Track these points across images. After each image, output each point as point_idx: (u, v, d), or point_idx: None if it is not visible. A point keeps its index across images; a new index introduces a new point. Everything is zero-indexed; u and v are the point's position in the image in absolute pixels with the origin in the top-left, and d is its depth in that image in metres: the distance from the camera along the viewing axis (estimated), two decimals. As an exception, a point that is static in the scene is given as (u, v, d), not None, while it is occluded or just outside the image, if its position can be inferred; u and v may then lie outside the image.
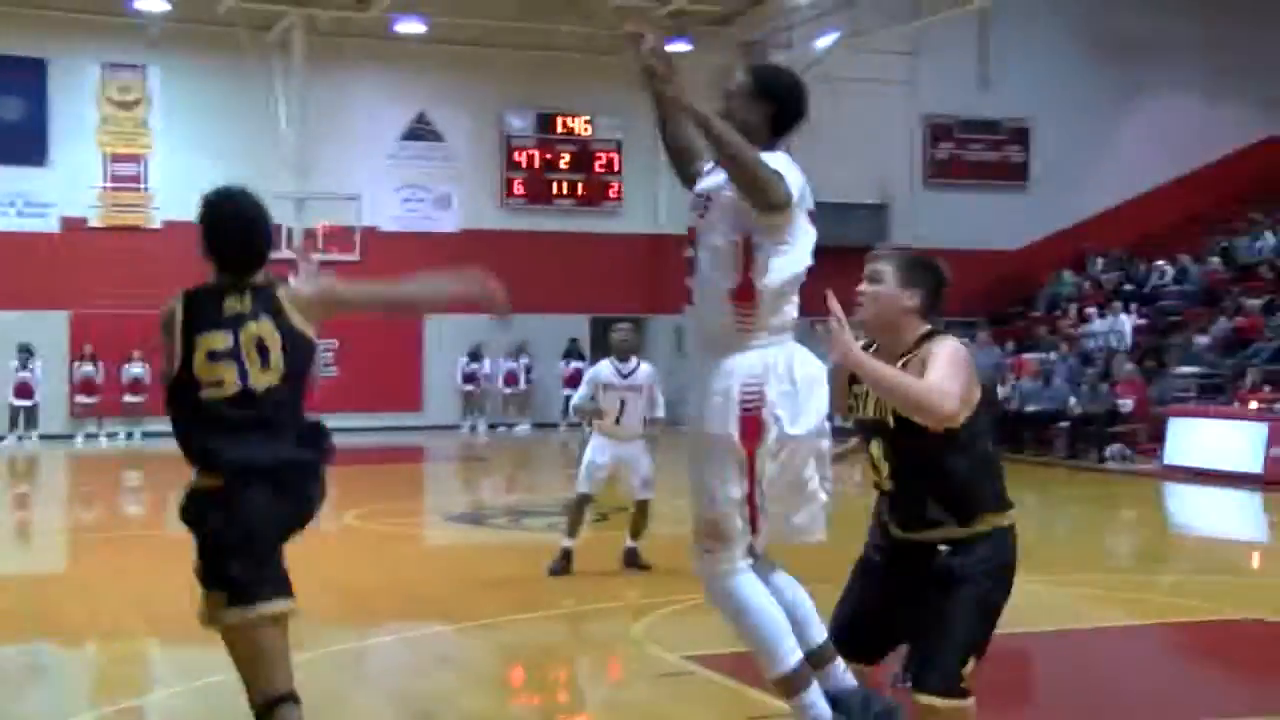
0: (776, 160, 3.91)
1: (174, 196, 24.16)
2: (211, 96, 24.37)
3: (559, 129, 26.83)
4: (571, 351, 25.84)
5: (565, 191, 26.82)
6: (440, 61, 25.35)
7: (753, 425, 3.88)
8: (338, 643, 7.46)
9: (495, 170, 26.45)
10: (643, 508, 9.62)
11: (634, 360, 9.80)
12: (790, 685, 3.89)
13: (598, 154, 27.01)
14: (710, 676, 6.53)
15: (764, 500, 3.91)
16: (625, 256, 26.89)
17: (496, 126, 26.40)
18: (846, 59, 24.61)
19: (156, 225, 24.21)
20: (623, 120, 26.61)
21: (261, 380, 3.95)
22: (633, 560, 9.64)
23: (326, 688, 6.14)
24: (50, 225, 23.72)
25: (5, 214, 23.46)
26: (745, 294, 3.94)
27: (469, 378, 25.34)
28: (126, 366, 23.35)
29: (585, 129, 26.97)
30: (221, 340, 3.94)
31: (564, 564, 9.51)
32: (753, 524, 3.93)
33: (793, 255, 3.98)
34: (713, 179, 4.04)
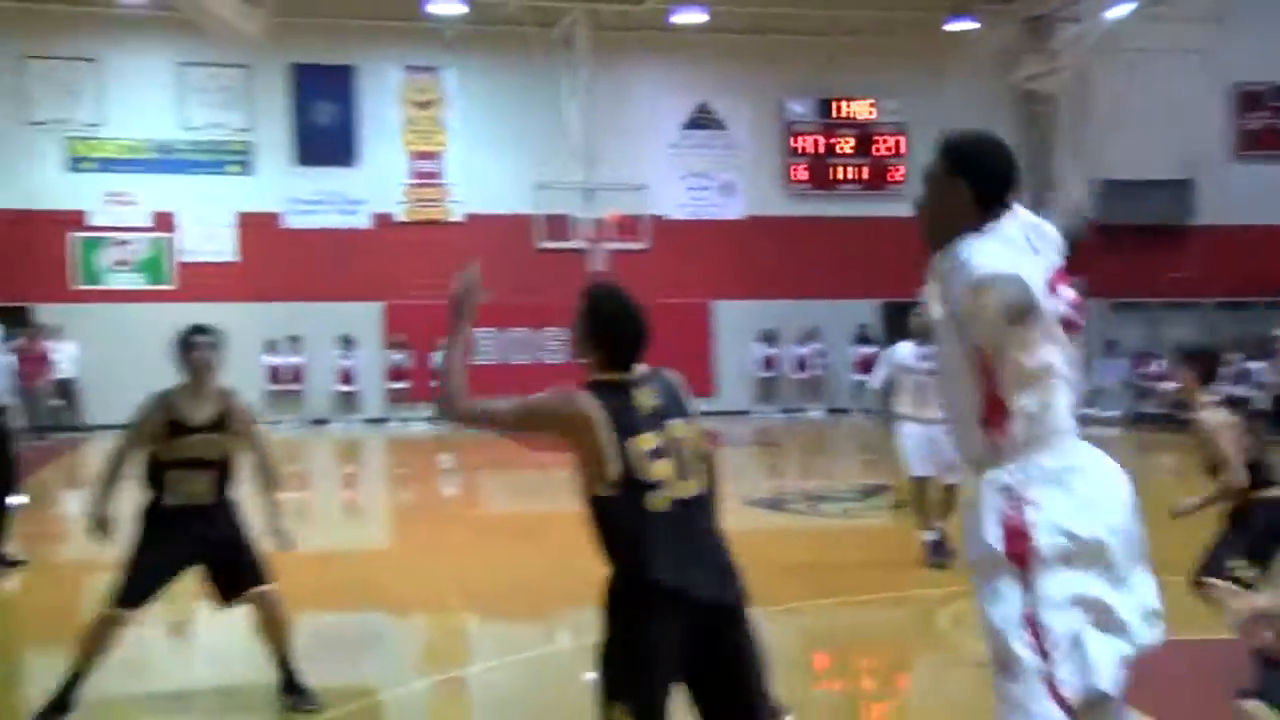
0: (987, 250, 3.31)
1: (471, 190, 25.32)
2: (502, 94, 25.20)
3: (840, 114, 26.57)
4: (862, 336, 25.57)
5: (848, 176, 26.55)
6: (720, 50, 25.48)
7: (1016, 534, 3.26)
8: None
9: (777, 157, 26.42)
10: (949, 491, 9.18)
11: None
12: None
13: (880, 138, 26.62)
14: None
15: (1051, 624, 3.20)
16: (911, 240, 26.28)
17: (777, 113, 26.36)
18: (1140, 29, 23.45)
19: (457, 218, 25.23)
20: (905, 103, 26.23)
21: (692, 487, 3.71)
22: (939, 550, 9.14)
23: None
24: (363, 221, 25.00)
25: (325, 212, 24.89)
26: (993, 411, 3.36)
27: (767, 362, 25.40)
28: (433, 354, 24.29)
29: (868, 113, 26.62)
30: (654, 440, 3.65)
31: (939, 553, 9.08)
32: (1042, 653, 3.19)
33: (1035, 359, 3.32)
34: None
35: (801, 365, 25.64)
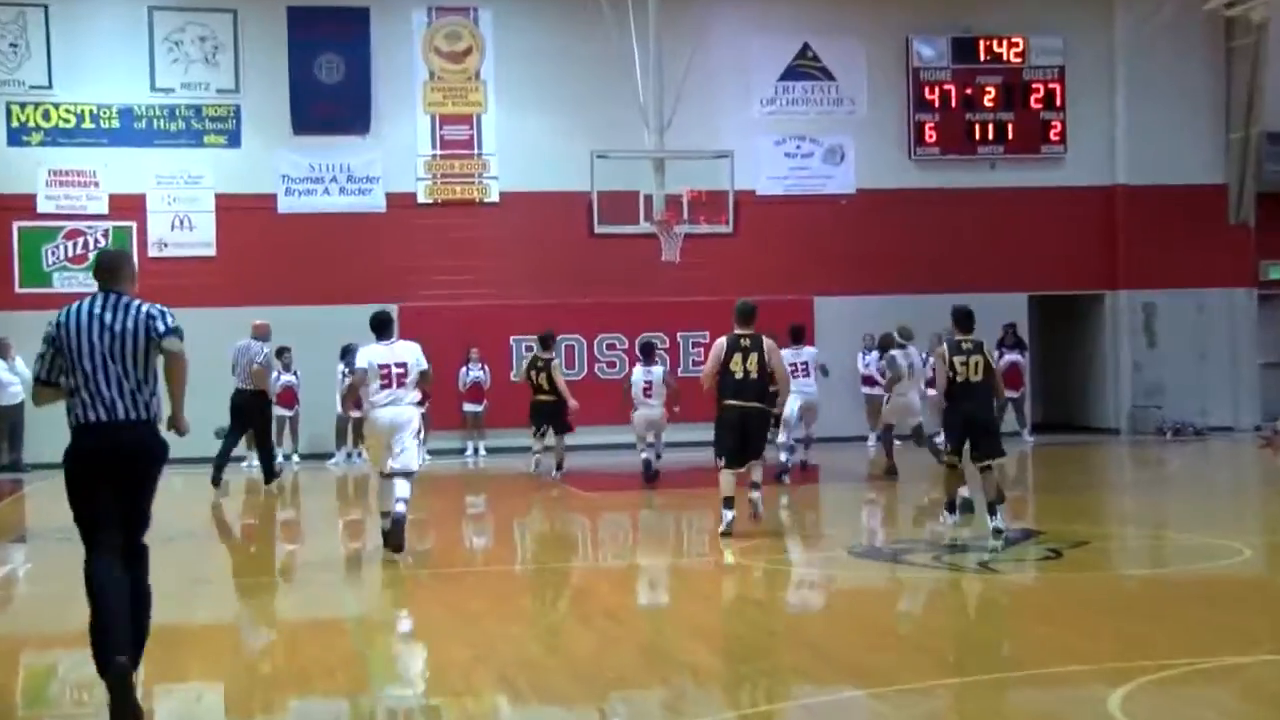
0: None
1: (511, 163, 25.19)
2: (551, 39, 25.14)
3: (982, 56, 26.14)
4: (1010, 339, 24.80)
5: (992, 136, 26.12)
6: (827, -21, 25.47)
7: None
8: (718, 711, 7.47)
9: (900, 113, 26.09)
10: None
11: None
12: None
13: (1034, 85, 26.15)
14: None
15: None
16: (1071, 217, 25.90)
17: (901, 57, 26.06)
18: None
19: (493, 198, 25.18)
20: (1065, 40, 25.87)
21: None
22: None
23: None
24: (376, 204, 24.96)
25: (329, 193, 24.82)
26: None
27: (866, 379, 24.84)
28: (464, 370, 24.21)
29: (1016, 55, 26.19)
30: None
31: None
32: None
33: None
34: None
35: (930, 381, 24.92)
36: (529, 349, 22.65)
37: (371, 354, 13.06)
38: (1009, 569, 12.06)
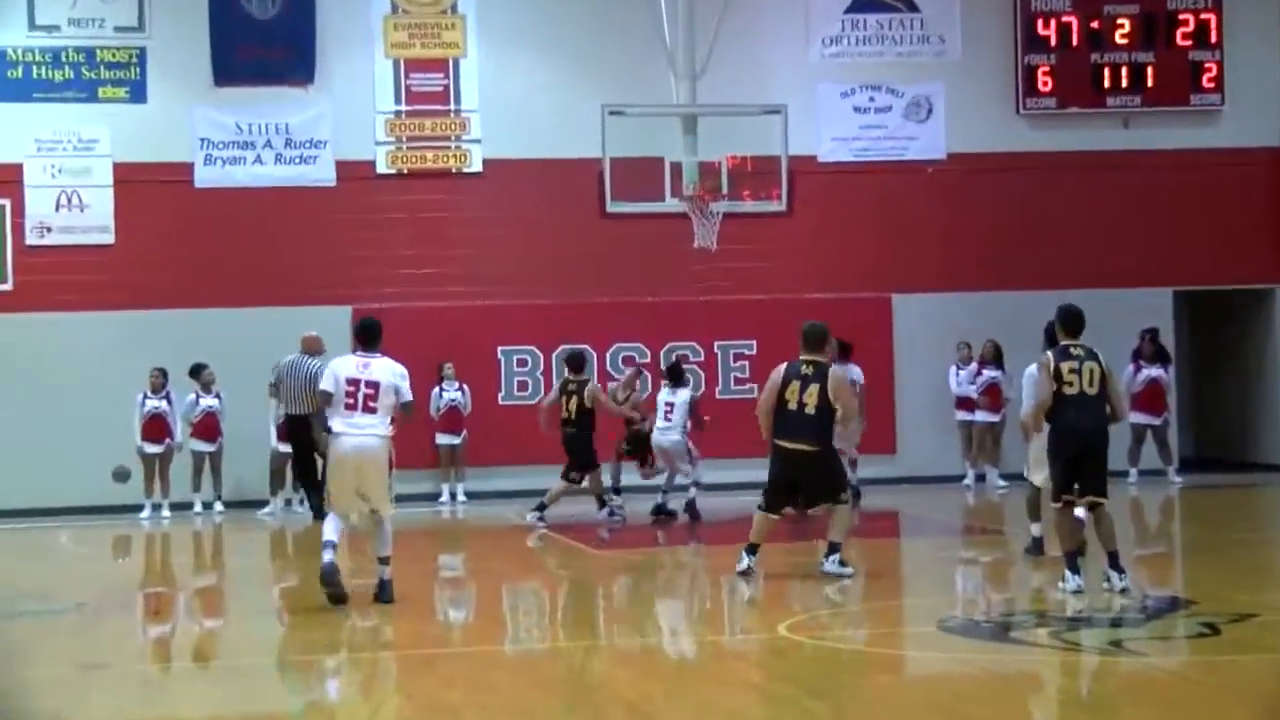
0: None
1: (499, 122, 25.21)
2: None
3: (1110, -20, 26.17)
4: (1150, 350, 24.58)
5: (1126, 83, 26.10)
6: (908, -120, 25.56)
7: None
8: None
9: (1005, 54, 26.19)
10: None
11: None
12: None
13: (1181, 17, 26.17)
14: None
15: None
16: (1230, 188, 25.95)
17: (1005, -18, 26.17)
18: None
19: (474, 167, 25.25)
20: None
21: None
22: None
23: None
24: (322, 175, 25.03)
25: (261, 161, 24.93)
26: None
27: (962, 402, 24.94)
28: (437, 391, 24.23)
29: (1157, -21, 26.22)
30: None
31: None
32: None
33: None
34: None
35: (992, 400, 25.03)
36: (519, 362, 22.70)
37: (340, 367, 13.41)
38: (1152, 649, 11.94)
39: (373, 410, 13.23)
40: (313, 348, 20.65)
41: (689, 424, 20.41)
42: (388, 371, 13.39)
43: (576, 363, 20.96)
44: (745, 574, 14.84)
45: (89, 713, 10.32)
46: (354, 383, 13.23)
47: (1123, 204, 25.60)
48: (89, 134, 24.46)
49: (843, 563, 14.99)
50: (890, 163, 25.81)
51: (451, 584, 17.92)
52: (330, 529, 13.59)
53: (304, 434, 20.35)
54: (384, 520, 13.59)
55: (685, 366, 21.89)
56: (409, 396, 13.41)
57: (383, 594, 13.68)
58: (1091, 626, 12.69)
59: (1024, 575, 16.36)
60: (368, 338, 13.63)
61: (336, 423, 13.32)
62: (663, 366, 22.29)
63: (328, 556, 13.38)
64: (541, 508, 20.51)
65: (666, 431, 20.29)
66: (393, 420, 13.60)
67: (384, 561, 13.71)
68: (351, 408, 13.21)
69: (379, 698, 11.26)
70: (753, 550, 14.94)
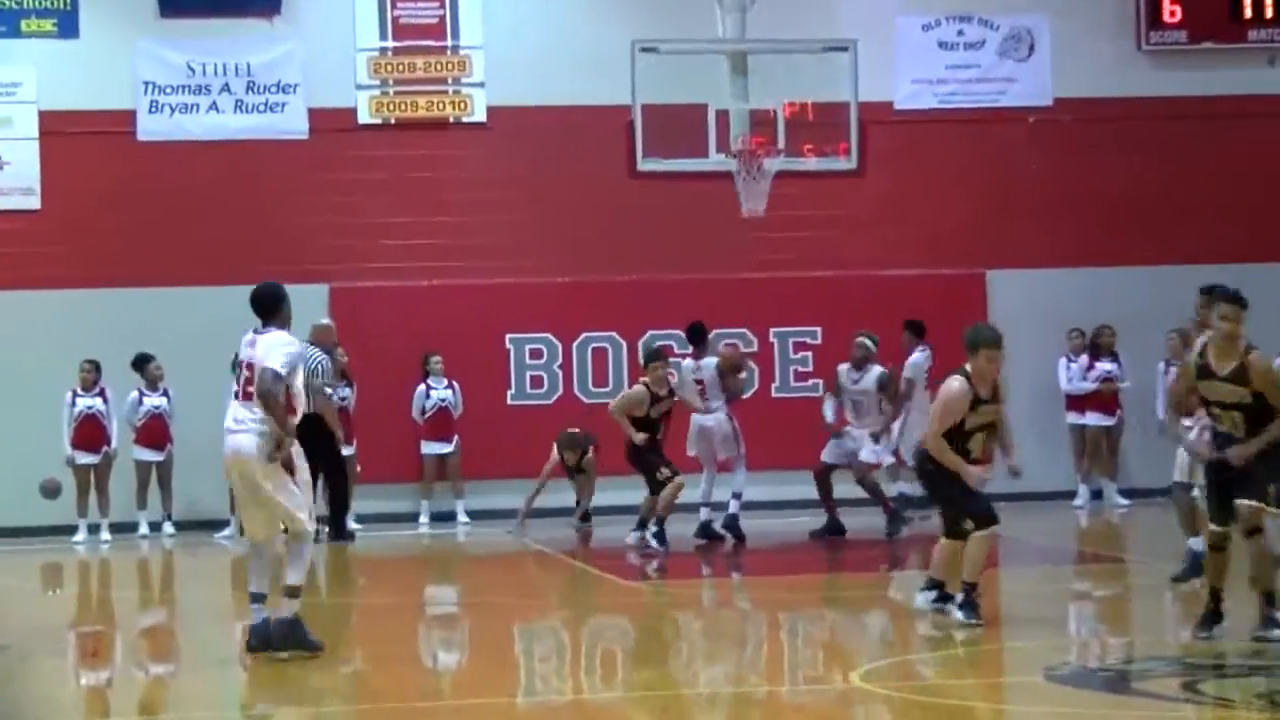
0: None
1: (504, 63, 25.31)
2: None
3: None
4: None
5: (1270, 13, 26.15)
6: None
7: None
8: None
9: (1121, -20, 26.24)
10: None
11: None
12: None
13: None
14: None
15: None
16: None
17: (1124, -113, 26.32)
18: None
19: (476, 116, 25.38)
20: None
21: None
22: None
23: None
24: (292, 124, 25.16)
25: (217, 109, 25.08)
26: None
27: (1074, 402, 24.97)
28: (422, 389, 24.26)
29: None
30: None
31: None
32: None
33: None
34: None
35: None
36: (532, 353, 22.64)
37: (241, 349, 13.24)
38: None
39: (250, 397, 12.85)
40: (324, 339, 20.86)
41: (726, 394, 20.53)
42: (270, 343, 12.98)
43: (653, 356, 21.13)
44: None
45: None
46: (245, 365, 12.96)
47: (1271, 159, 25.56)
48: (9, 75, 24.62)
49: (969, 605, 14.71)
50: (984, 110, 26.01)
51: (440, 622, 18.00)
52: (252, 577, 13.22)
53: (314, 438, 20.20)
54: (300, 539, 12.98)
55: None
56: (270, 364, 12.70)
57: (275, 638, 12.95)
58: (1229, 678, 12.74)
59: (1151, 612, 16.27)
60: (261, 310, 13.29)
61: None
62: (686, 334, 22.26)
63: (256, 617, 13.03)
64: (659, 524, 20.45)
65: (712, 413, 20.46)
66: (276, 419, 12.92)
67: (291, 594, 12.96)
68: (237, 397, 12.91)
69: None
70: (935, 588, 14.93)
